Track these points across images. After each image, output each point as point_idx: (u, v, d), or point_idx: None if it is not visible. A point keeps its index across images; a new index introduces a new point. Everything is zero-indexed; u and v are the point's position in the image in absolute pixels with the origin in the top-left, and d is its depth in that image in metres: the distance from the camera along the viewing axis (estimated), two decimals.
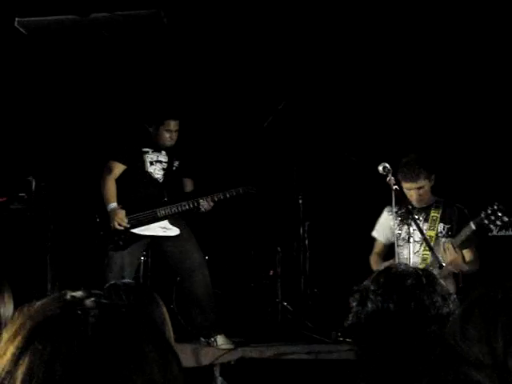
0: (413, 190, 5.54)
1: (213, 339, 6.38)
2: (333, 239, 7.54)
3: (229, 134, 7.70)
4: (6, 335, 1.18)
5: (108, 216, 6.40)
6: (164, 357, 1.21)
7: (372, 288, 2.22)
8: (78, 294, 1.24)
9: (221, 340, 6.38)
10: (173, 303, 6.73)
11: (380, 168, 5.39)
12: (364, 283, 2.28)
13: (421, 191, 5.55)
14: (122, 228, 6.37)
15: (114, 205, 6.40)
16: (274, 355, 6.18)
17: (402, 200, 5.46)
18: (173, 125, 6.44)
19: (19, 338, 1.17)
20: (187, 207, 6.45)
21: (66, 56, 7.20)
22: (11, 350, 1.16)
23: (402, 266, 2.37)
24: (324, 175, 7.61)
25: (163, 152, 6.56)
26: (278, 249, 7.19)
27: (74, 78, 7.38)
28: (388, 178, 5.35)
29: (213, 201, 6.41)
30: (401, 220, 5.63)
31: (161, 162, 6.56)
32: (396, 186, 5.37)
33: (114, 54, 7.29)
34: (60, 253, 7.09)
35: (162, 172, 6.55)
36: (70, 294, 1.24)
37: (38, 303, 1.22)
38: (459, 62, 7.25)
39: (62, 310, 1.20)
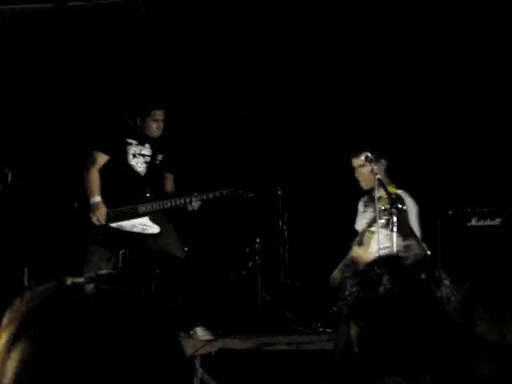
0: (355, 168, 5.60)
1: (192, 331, 6.35)
2: (312, 230, 7.50)
3: (208, 124, 7.64)
4: (4, 322, 1.14)
5: (88, 208, 6.31)
6: (166, 343, 1.17)
7: (385, 276, 2.18)
8: (78, 280, 1.18)
9: (200, 332, 6.36)
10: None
11: (362, 157, 5.43)
12: (374, 268, 2.23)
13: (360, 171, 5.59)
14: (100, 223, 6.30)
15: (97, 199, 6.32)
16: (254, 346, 6.17)
17: (385, 190, 5.44)
18: (159, 114, 6.39)
19: (13, 325, 1.12)
20: (169, 206, 6.38)
21: (43, 45, 7.09)
22: (4, 337, 1.11)
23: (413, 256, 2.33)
24: (304, 166, 7.56)
25: (147, 145, 6.48)
26: (257, 240, 7.16)
27: (51, 68, 7.25)
28: (370, 168, 5.39)
29: (201, 200, 6.35)
30: (365, 206, 5.66)
31: (144, 155, 6.48)
32: (379, 176, 5.37)
33: (92, 43, 7.18)
34: (37, 246, 6.97)
35: (144, 165, 6.48)
36: (70, 280, 1.18)
37: (38, 289, 1.17)
38: (445, 53, 7.27)
39: (58, 295, 1.15)
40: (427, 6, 6.96)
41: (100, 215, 6.30)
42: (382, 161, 5.62)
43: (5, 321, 1.12)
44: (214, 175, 7.25)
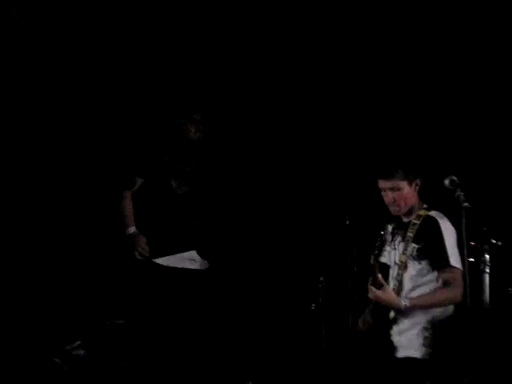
0: (387, 191, 4.87)
1: None
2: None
3: (265, 142, 7.11)
4: None
5: (126, 241, 5.86)
6: None
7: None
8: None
9: None
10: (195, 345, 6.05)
11: (446, 182, 4.65)
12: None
13: (396, 194, 4.86)
14: (144, 258, 5.83)
15: (133, 229, 5.86)
16: None
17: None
18: (197, 115, 5.96)
19: None
20: (218, 236, 5.97)
21: (69, 51, 6.64)
22: None
23: None
24: (375, 192, 6.85)
25: (188, 160, 6.00)
26: (321, 278, 6.48)
27: (81, 79, 6.79)
28: (457, 194, 4.60)
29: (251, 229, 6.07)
30: (394, 235, 5.04)
31: (186, 173, 5.99)
32: (466, 204, 4.57)
33: (121, 50, 6.76)
34: (67, 277, 6.52)
35: (187, 187, 5.98)
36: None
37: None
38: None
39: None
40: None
41: (141, 248, 5.80)
42: (418, 181, 4.92)
43: None
44: (268, 199, 6.78)
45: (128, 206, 5.89)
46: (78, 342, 1.31)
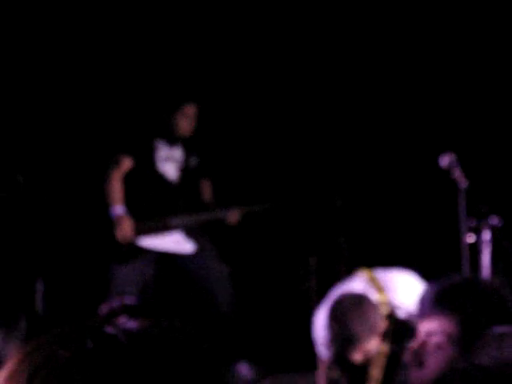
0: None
1: (234, 368, 5.69)
2: (377, 246, 6.76)
3: (254, 124, 6.96)
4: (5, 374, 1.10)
5: (110, 222, 5.64)
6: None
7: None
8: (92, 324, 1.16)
9: (244, 369, 5.74)
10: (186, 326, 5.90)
11: (443, 161, 4.56)
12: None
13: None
14: (129, 239, 5.62)
15: (121, 209, 5.62)
16: None
17: None
18: (191, 110, 5.71)
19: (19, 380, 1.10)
20: (206, 219, 5.82)
21: (59, 27, 6.42)
22: None
23: None
24: (368, 171, 6.87)
25: (179, 146, 5.83)
26: (312, 259, 6.42)
27: (69, 55, 6.57)
28: (455, 174, 4.52)
29: (242, 213, 5.83)
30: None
31: (175, 158, 5.83)
32: (465, 183, 4.52)
33: (113, 30, 6.56)
34: (52, 265, 6.28)
35: (176, 171, 5.83)
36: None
37: (44, 338, 1.13)
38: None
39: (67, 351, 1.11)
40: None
41: (126, 230, 5.59)
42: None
43: (7, 373, 1.10)
44: (259, 183, 6.63)
45: (118, 186, 5.66)
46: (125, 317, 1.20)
